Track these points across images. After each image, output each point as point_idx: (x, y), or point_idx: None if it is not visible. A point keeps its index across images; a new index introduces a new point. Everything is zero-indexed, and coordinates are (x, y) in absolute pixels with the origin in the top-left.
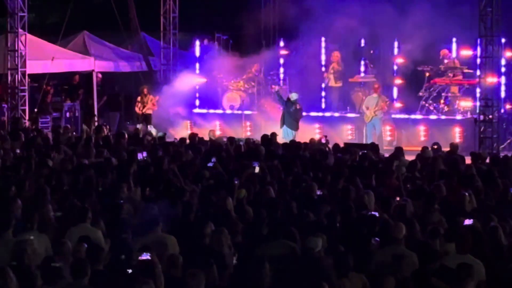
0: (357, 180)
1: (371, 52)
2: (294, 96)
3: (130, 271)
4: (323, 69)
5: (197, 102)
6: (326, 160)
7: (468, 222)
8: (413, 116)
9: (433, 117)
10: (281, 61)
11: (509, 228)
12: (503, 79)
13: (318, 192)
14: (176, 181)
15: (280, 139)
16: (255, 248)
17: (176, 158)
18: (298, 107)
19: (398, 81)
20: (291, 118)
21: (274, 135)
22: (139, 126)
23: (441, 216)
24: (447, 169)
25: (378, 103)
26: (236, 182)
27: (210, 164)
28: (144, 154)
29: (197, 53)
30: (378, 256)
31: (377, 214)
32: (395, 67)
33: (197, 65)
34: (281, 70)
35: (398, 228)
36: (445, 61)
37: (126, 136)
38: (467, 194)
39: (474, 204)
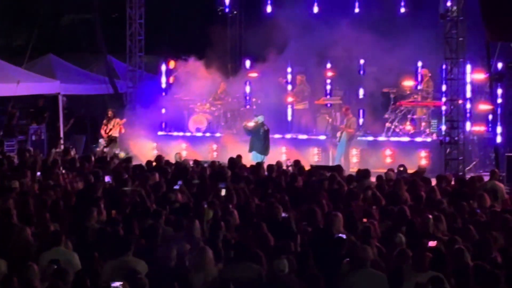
0: (324, 202)
1: (337, 74)
2: (260, 118)
3: None
4: (289, 88)
5: (163, 125)
6: (293, 183)
7: (432, 244)
8: (379, 138)
9: (398, 139)
10: (247, 83)
11: (476, 250)
12: (468, 101)
13: (283, 215)
14: (143, 204)
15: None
16: (221, 271)
17: (143, 180)
18: (266, 128)
19: (363, 103)
20: (260, 143)
21: (240, 157)
22: (104, 147)
23: (405, 238)
24: (411, 192)
25: (346, 125)
26: (205, 205)
27: (176, 187)
28: (108, 178)
29: (163, 75)
30: (347, 279)
31: (344, 236)
32: (361, 89)
33: (163, 87)
34: (248, 91)
35: (365, 250)
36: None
37: (93, 159)
38: (431, 216)
39: (444, 226)
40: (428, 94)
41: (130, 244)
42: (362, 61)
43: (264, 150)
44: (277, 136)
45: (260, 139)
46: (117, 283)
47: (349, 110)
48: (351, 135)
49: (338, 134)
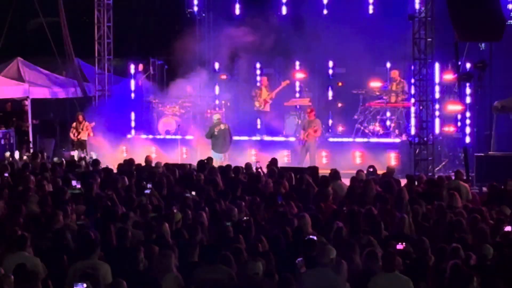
0: (292, 204)
1: (306, 75)
2: (215, 117)
3: None
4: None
5: (133, 127)
6: (261, 184)
7: (399, 246)
8: (348, 139)
9: (368, 140)
10: (217, 85)
11: (449, 249)
12: (437, 102)
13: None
14: (113, 207)
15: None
16: (191, 273)
17: (112, 184)
18: (224, 127)
19: (333, 104)
20: (217, 141)
21: (210, 159)
22: (73, 152)
23: (370, 238)
24: (383, 192)
25: (311, 127)
26: (175, 210)
27: (147, 191)
28: (75, 182)
29: (132, 78)
30: (305, 279)
31: (315, 237)
32: (330, 91)
33: (132, 90)
34: (217, 91)
35: (325, 250)
36: (394, 83)
37: (64, 162)
38: (406, 216)
39: (412, 226)
40: (405, 95)
41: (95, 247)
42: (331, 63)
43: (220, 149)
44: (247, 138)
45: (217, 138)
46: (82, 285)
47: (313, 113)
48: (315, 137)
49: (303, 136)
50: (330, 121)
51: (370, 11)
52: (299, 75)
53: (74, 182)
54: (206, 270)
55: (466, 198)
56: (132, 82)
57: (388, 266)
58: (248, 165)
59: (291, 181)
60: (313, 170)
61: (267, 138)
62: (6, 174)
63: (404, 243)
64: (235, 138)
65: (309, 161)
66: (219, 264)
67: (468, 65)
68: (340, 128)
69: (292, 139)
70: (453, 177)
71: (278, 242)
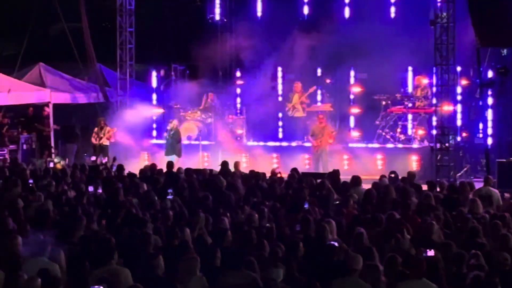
0: (316, 210)
1: (328, 81)
2: (175, 122)
3: None
4: (280, 98)
5: (155, 133)
6: (287, 190)
7: (430, 253)
8: (370, 145)
9: (389, 145)
10: (238, 91)
11: (469, 256)
12: (459, 107)
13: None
14: (134, 213)
15: None
16: (215, 278)
17: (134, 189)
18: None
19: (354, 110)
20: (178, 146)
21: (226, 164)
22: (93, 158)
23: (398, 244)
24: (401, 199)
25: (325, 134)
26: (202, 214)
27: (169, 197)
28: (91, 188)
29: (154, 84)
30: (334, 285)
31: (336, 243)
32: (352, 96)
33: (154, 95)
34: (238, 100)
35: (356, 259)
36: (419, 88)
37: (87, 168)
38: (434, 222)
39: (440, 233)
40: (427, 100)
41: (112, 253)
42: (352, 68)
43: (181, 153)
44: (269, 143)
45: (176, 143)
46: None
47: (324, 119)
48: (330, 143)
49: (316, 143)
50: (352, 124)
51: (392, 15)
52: (322, 80)
53: (91, 188)
54: (230, 275)
55: (497, 204)
56: (154, 88)
57: (416, 272)
58: (273, 171)
59: (312, 187)
60: (334, 175)
61: (285, 144)
62: (31, 181)
63: (433, 250)
64: (255, 143)
65: (321, 168)
66: (243, 269)
67: (490, 71)
68: (361, 134)
69: (309, 144)
70: (475, 183)
71: (296, 248)
